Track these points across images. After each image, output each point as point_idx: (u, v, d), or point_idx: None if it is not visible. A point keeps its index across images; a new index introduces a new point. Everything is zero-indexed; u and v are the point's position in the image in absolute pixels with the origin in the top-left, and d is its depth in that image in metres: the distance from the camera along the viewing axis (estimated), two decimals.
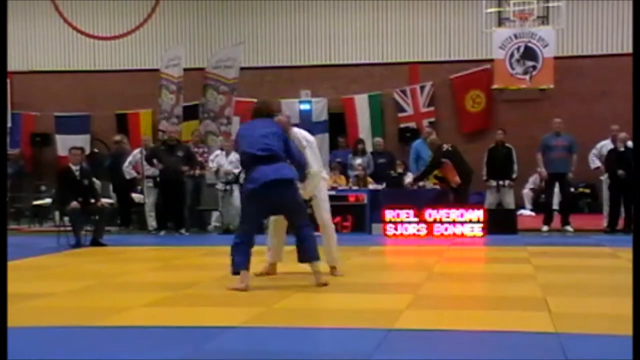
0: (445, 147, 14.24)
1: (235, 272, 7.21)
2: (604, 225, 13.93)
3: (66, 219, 12.18)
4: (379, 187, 14.56)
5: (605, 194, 14.18)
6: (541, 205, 15.41)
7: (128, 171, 14.93)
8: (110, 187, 15.41)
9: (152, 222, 14.60)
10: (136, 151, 15.17)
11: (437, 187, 14.39)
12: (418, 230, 13.05)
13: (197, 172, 14.44)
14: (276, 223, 8.09)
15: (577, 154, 14.26)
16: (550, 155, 14.19)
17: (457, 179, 13.77)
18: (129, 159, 15.04)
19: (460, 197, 13.81)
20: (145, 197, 14.74)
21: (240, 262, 7.20)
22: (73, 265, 9.69)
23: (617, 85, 17.23)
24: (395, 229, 13.11)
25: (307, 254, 7.40)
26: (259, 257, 7.83)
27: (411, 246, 11.95)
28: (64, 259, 10.48)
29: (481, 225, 12.92)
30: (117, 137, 16.45)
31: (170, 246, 12.14)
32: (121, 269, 9.18)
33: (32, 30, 20.52)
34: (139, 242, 12.85)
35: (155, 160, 14.11)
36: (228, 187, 14.35)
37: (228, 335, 5.29)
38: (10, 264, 8.43)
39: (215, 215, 14.82)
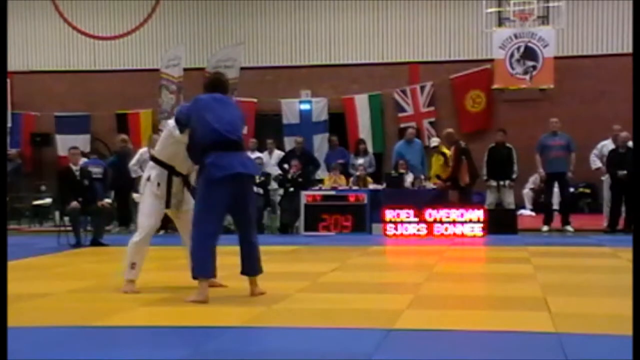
0: (463, 144, 14.09)
1: (195, 278, 6.50)
2: (604, 225, 13.92)
3: (66, 219, 12.19)
4: (379, 187, 14.56)
5: (606, 194, 14.17)
6: (541, 205, 15.41)
7: (135, 169, 14.80)
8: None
9: None
10: (143, 150, 15.02)
11: (437, 187, 14.37)
12: (418, 230, 13.06)
13: None
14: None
15: (576, 154, 14.26)
16: (548, 155, 14.20)
17: (467, 178, 13.71)
18: (136, 157, 14.87)
19: (466, 197, 13.76)
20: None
21: (204, 267, 6.48)
22: (73, 265, 9.68)
23: (617, 85, 17.22)
24: (396, 229, 13.11)
25: (257, 265, 6.75)
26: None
27: (411, 246, 11.95)
28: (64, 259, 10.48)
29: (481, 225, 12.91)
30: (124, 136, 16.39)
31: (170, 246, 12.12)
32: (121, 269, 9.15)
33: (32, 30, 20.53)
34: None
35: None
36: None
37: (228, 335, 5.29)
38: (10, 264, 8.43)
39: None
